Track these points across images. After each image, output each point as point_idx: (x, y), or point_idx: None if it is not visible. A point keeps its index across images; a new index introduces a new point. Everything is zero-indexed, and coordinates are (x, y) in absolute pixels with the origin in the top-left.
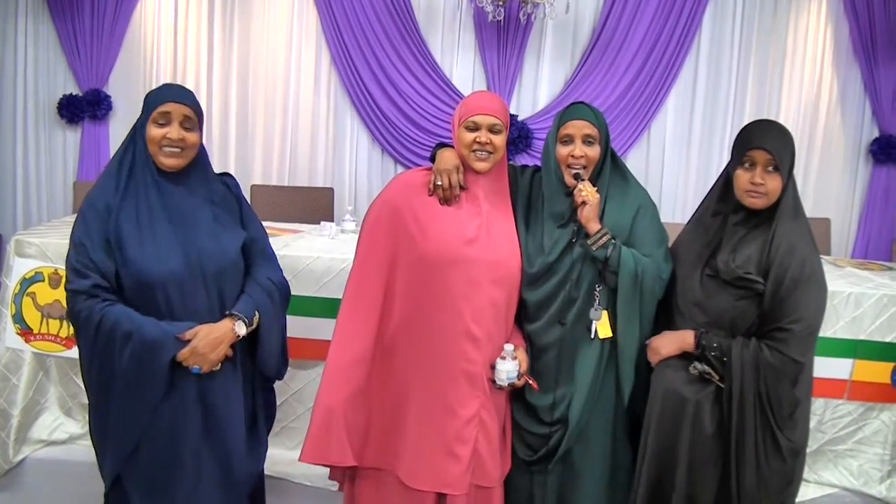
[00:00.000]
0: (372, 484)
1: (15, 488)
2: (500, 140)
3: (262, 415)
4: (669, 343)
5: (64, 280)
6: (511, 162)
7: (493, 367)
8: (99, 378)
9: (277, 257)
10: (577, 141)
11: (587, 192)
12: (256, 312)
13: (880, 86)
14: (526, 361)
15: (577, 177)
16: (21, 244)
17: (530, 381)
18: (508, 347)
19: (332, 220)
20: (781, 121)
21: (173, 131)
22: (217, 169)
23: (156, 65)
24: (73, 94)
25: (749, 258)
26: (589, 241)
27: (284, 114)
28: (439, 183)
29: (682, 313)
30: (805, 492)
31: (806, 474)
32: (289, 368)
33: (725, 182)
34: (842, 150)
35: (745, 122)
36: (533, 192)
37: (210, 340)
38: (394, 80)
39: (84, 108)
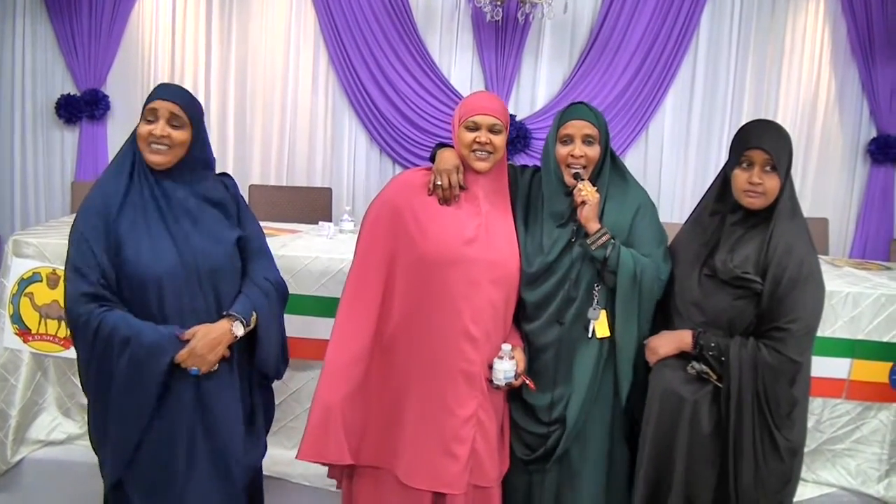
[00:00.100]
0: (370, 482)
1: (13, 489)
2: (499, 140)
3: (260, 413)
4: (667, 343)
5: (63, 280)
6: (510, 162)
7: (490, 367)
8: (97, 383)
9: (276, 257)
10: (576, 141)
11: (587, 192)
12: (254, 312)
13: (878, 85)
14: (523, 361)
15: (576, 176)
16: (19, 244)
17: (527, 381)
18: (506, 347)
19: (330, 221)
20: (779, 120)
21: (158, 128)
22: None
23: (154, 65)
24: (71, 94)
25: (747, 258)
26: (588, 241)
27: (282, 114)
28: (439, 183)
29: (680, 313)
30: (803, 491)
31: (804, 474)
32: (287, 368)
33: (723, 182)
34: (840, 150)
35: (743, 122)
36: (532, 192)
37: (208, 341)
38: (392, 80)
39: (82, 108)
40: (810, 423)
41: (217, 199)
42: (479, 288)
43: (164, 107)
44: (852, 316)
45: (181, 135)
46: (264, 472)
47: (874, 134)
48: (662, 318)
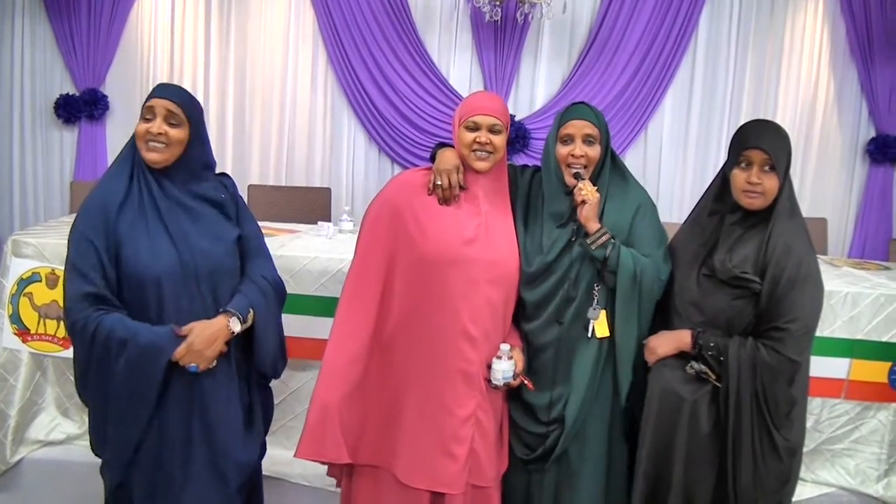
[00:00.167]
0: (368, 481)
1: (12, 489)
2: (499, 140)
3: (259, 413)
4: (666, 343)
5: (63, 281)
6: (510, 162)
7: (489, 367)
8: (97, 386)
9: (275, 257)
10: (577, 140)
11: (587, 191)
12: (251, 310)
13: (877, 86)
14: (522, 361)
15: (577, 176)
16: (18, 244)
17: (526, 382)
18: (504, 347)
19: (329, 221)
20: (778, 120)
21: (155, 125)
22: None
23: (152, 65)
24: (70, 93)
25: (746, 258)
26: (588, 241)
27: (281, 114)
28: (439, 183)
29: (679, 313)
30: (802, 491)
31: (803, 473)
32: (287, 368)
33: (722, 182)
34: (838, 150)
35: (742, 122)
36: (532, 192)
37: (205, 337)
38: (391, 80)
39: (81, 107)
40: (809, 423)
41: (216, 198)
42: (477, 288)
43: (160, 105)
44: (851, 316)
45: (179, 133)
46: (263, 472)
47: (873, 134)
48: (661, 319)
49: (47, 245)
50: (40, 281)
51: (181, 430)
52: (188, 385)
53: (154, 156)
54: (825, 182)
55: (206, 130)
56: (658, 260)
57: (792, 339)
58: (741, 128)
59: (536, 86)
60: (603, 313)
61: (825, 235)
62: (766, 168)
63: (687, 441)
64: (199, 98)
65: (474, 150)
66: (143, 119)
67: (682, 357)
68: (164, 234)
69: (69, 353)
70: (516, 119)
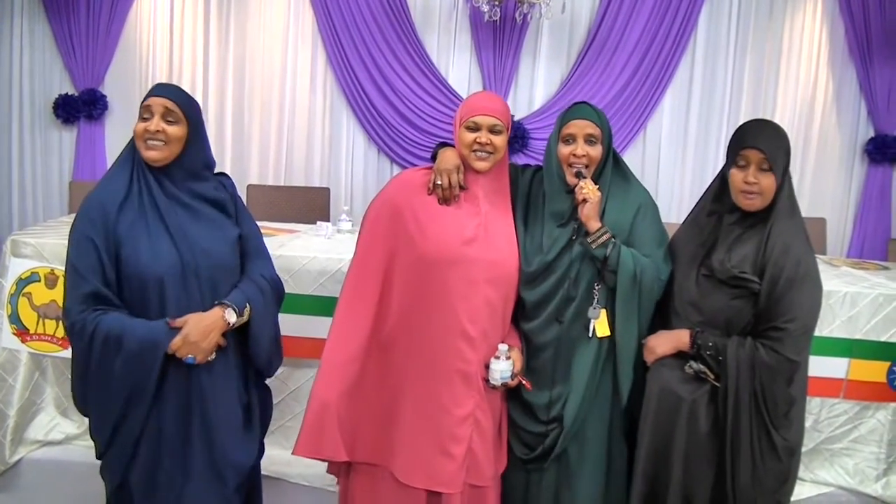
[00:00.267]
0: (366, 479)
1: (11, 489)
2: (500, 140)
3: (257, 413)
4: (665, 342)
5: (62, 281)
6: (511, 162)
7: (487, 367)
8: (98, 386)
9: (274, 257)
10: (579, 140)
11: (588, 190)
12: (248, 304)
13: (875, 85)
14: (520, 361)
15: (578, 174)
16: (17, 244)
17: (524, 382)
18: (503, 347)
19: (328, 220)
20: (777, 120)
21: (153, 123)
22: None
23: (152, 64)
24: (69, 93)
25: (744, 257)
26: (588, 240)
27: (280, 113)
28: (439, 182)
29: (678, 313)
30: (801, 490)
31: (802, 473)
32: (286, 368)
33: (721, 182)
34: (837, 150)
35: (741, 122)
36: (533, 192)
37: (201, 328)
38: (390, 80)
39: (80, 107)
40: (808, 423)
41: (216, 198)
42: (476, 288)
43: (157, 103)
44: (850, 316)
45: (177, 130)
46: (263, 472)
47: (872, 134)
48: (660, 318)
49: (46, 245)
50: (39, 281)
51: (180, 430)
52: (186, 383)
53: (153, 154)
54: (824, 182)
55: (205, 129)
56: (658, 260)
57: (791, 338)
58: (739, 128)
59: (535, 86)
60: (603, 312)
61: (824, 235)
62: (764, 167)
63: (685, 441)
64: (198, 98)
65: (474, 151)
66: (141, 118)
67: (680, 357)
68: (165, 233)
69: (68, 353)
70: (515, 119)
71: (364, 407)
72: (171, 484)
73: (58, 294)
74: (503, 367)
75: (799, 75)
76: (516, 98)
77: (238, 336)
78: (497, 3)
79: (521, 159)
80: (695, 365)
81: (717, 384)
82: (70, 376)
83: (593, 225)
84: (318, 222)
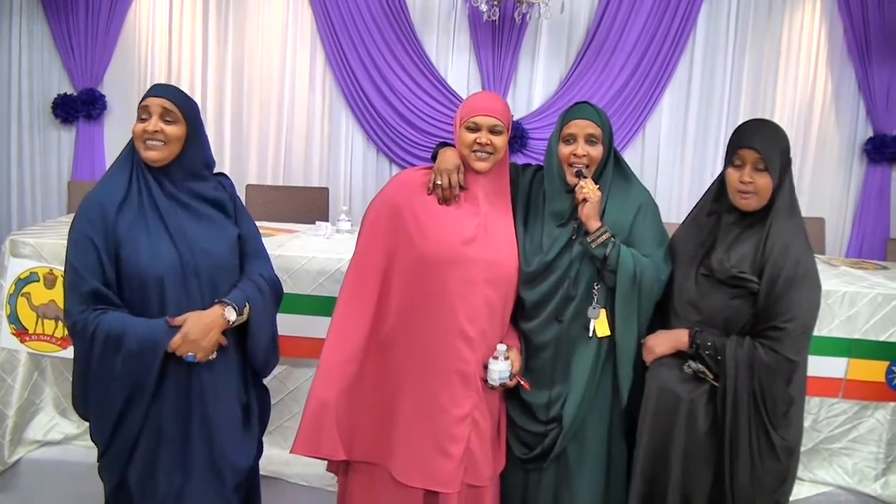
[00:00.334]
0: (364, 478)
1: (10, 489)
2: (500, 141)
3: (255, 412)
4: (664, 342)
5: (61, 281)
6: (511, 161)
7: (485, 367)
8: (99, 387)
9: (273, 257)
10: (579, 140)
11: (588, 190)
12: (247, 303)
13: (874, 85)
14: (519, 362)
15: (578, 174)
16: (16, 244)
17: (522, 382)
18: (501, 347)
19: (327, 220)
20: (776, 120)
21: (151, 124)
22: None
23: (150, 64)
24: (68, 93)
25: (743, 257)
26: (588, 239)
27: (279, 113)
28: (439, 182)
29: (677, 312)
30: (800, 490)
31: (801, 472)
32: (284, 367)
33: (721, 182)
34: (836, 150)
35: (740, 122)
36: (533, 191)
37: (200, 327)
38: (389, 80)
39: (79, 107)
40: (807, 423)
41: (216, 198)
42: (475, 288)
43: (155, 103)
44: (849, 315)
45: (175, 130)
46: (261, 472)
47: (870, 133)
48: (659, 318)
49: (45, 245)
50: (38, 281)
51: (179, 430)
52: (186, 382)
53: (153, 154)
54: (823, 181)
55: (204, 129)
56: (658, 260)
57: (790, 338)
58: (737, 127)
59: (534, 86)
60: (603, 312)
61: (823, 235)
62: (760, 167)
63: (684, 440)
64: (197, 98)
65: (475, 151)
66: (140, 119)
67: (679, 356)
68: (165, 233)
69: (67, 353)
70: (514, 119)
71: (362, 406)
72: (171, 484)
73: (56, 294)
74: (501, 368)
75: (798, 75)
76: (515, 98)
77: (238, 336)
78: (496, 2)
79: (519, 159)
80: (693, 364)
81: (715, 384)
82: (71, 378)
83: (593, 224)
84: (317, 222)
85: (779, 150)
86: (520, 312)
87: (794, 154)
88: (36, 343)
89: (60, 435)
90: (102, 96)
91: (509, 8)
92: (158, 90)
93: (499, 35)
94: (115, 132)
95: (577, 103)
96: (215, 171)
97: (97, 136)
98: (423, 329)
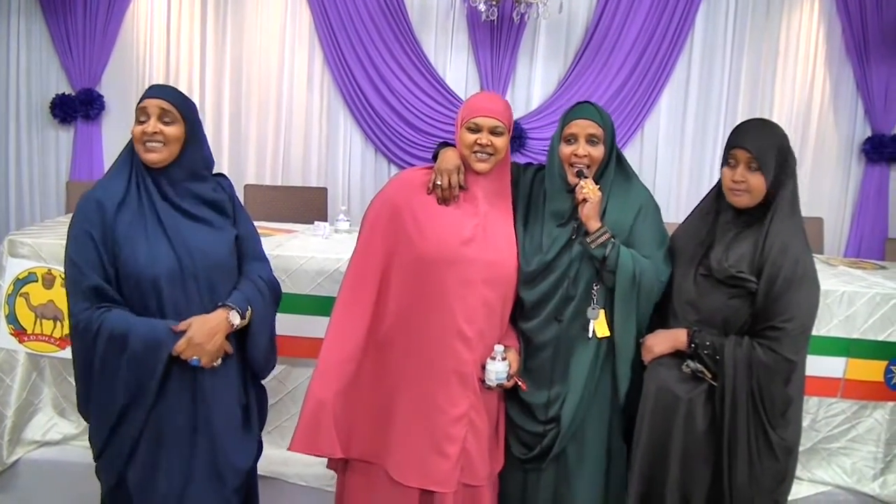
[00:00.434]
0: (361, 477)
1: (9, 489)
2: (501, 142)
3: (254, 412)
4: (663, 341)
5: (59, 281)
6: (512, 161)
7: (483, 367)
8: (102, 386)
9: (271, 257)
10: (580, 140)
11: (588, 190)
12: (249, 306)
13: (873, 85)
14: (516, 362)
15: (579, 174)
16: (14, 244)
17: (519, 383)
18: (499, 348)
19: (325, 220)
20: (774, 120)
21: (150, 125)
22: None
23: (149, 64)
24: (66, 93)
25: (742, 257)
26: (588, 240)
27: (278, 113)
28: (439, 182)
29: (676, 312)
30: (798, 489)
31: (799, 472)
32: (283, 367)
33: (721, 181)
34: (835, 150)
35: (738, 122)
36: (534, 191)
37: (205, 331)
38: (387, 80)
39: (77, 107)
40: (806, 422)
41: (214, 199)
42: (472, 288)
43: (153, 104)
44: (847, 315)
45: (174, 130)
46: (259, 472)
47: (869, 133)
48: (658, 318)
49: (44, 245)
50: (37, 281)
51: (181, 431)
52: (188, 384)
53: (153, 156)
54: (821, 181)
55: (203, 129)
56: (658, 261)
57: (788, 338)
58: (734, 127)
59: (533, 85)
60: (602, 313)
61: (821, 235)
62: (753, 167)
63: (683, 440)
64: (195, 98)
65: (475, 152)
66: (138, 121)
67: (678, 356)
68: (163, 236)
69: (65, 353)
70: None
71: (360, 405)
72: (172, 485)
73: (55, 294)
74: (499, 368)
75: (796, 75)
76: (514, 98)
77: (237, 337)
78: (494, 2)
79: (518, 159)
80: (692, 364)
81: (714, 383)
82: (70, 378)
83: (593, 225)
84: (316, 222)
85: (774, 149)
86: (519, 312)
87: None
88: (34, 343)
89: (59, 435)
90: (100, 96)
91: (508, 8)
92: (156, 91)
93: (497, 35)
94: (114, 132)
95: (579, 103)
96: (214, 171)
97: (95, 136)
98: (421, 329)
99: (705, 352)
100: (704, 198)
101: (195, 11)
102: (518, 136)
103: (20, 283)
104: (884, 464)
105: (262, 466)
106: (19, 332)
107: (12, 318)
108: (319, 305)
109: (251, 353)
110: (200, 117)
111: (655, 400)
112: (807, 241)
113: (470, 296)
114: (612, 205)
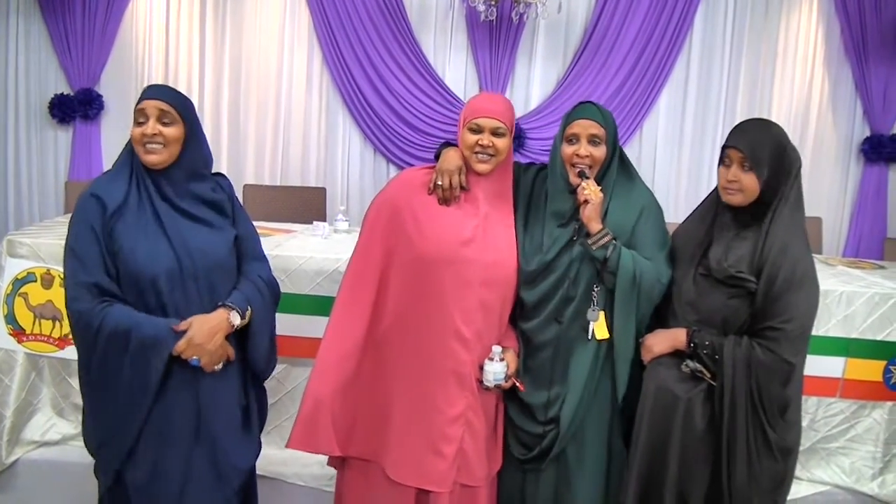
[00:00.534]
0: (359, 475)
1: (8, 489)
2: (502, 143)
3: (254, 412)
4: (662, 341)
5: (58, 281)
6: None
7: (481, 368)
8: (99, 378)
9: (270, 257)
10: (582, 140)
11: (590, 191)
12: (249, 306)
13: (871, 85)
14: (514, 363)
15: (581, 174)
16: (13, 244)
17: (517, 383)
18: (496, 349)
19: (324, 220)
20: (773, 120)
21: (149, 127)
22: None
23: (147, 64)
24: (65, 93)
25: (742, 257)
26: (589, 241)
27: (277, 113)
28: (440, 183)
29: (675, 311)
30: (797, 489)
31: (798, 472)
32: (282, 367)
33: None
34: (833, 150)
35: (737, 122)
36: (535, 191)
37: (206, 331)
38: (386, 80)
39: (75, 107)
40: (805, 422)
41: (214, 199)
42: (470, 288)
43: (152, 105)
44: (846, 315)
45: (174, 131)
46: (259, 472)
47: (867, 133)
48: (657, 317)
49: (42, 245)
50: (35, 281)
51: (181, 431)
52: (188, 385)
53: (153, 158)
54: (820, 181)
55: (202, 129)
56: (660, 263)
57: (787, 339)
58: (733, 127)
59: (532, 85)
60: (602, 315)
61: (820, 234)
62: (745, 166)
63: (681, 439)
64: (194, 98)
65: (476, 153)
66: (137, 123)
67: (677, 356)
68: (163, 237)
69: (64, 353)
70: None
71: (358, 404)
72: (171, 485)
73: (54, 294)
74: (497, 369)
75: (795, 75)
76: (513, 98)
77: (237, 337)
78: (493, 2)
79: (517, 158)
80: (691, 364)
81: (713, 383)
82: (69, 377)
83: (594, 226)
84: (315, 222)
85: (768, 149)
86: (519, 312)
87: None
88: (33, 343)
89: (58, 435)
90: (99, 96)
91: (506, 8)
92: (154, 92)
93: (496, 35)
94: (112, 132)
95: (581, 102)
96: (213, 171)
97: (94, 135)
98: (420, 329)
99: (704, 351)
100: (706, 198)
101: (194, 11)
102: (517, 136)
103: (19, 283)
104: (882, 463)
105: (261, 466)
106: (18, 333)
107: (11, 319)
108: (318, 305)
109: (252, 355)
110: (199, 117)
111: (654, 399)
112: (807, 242)
113: (468, 296)
114: (614, 205)
